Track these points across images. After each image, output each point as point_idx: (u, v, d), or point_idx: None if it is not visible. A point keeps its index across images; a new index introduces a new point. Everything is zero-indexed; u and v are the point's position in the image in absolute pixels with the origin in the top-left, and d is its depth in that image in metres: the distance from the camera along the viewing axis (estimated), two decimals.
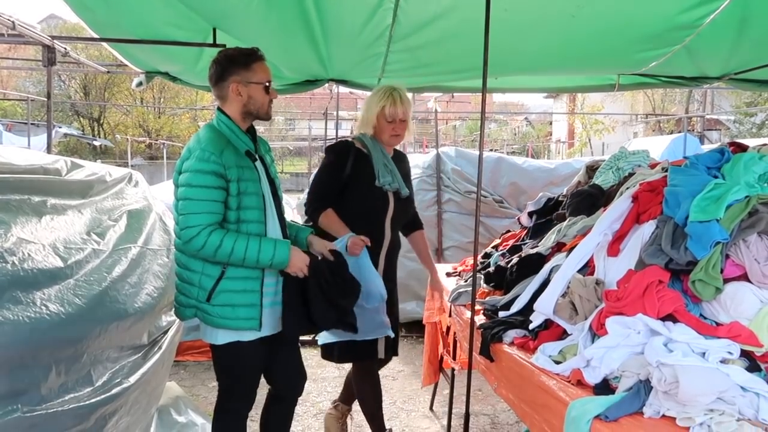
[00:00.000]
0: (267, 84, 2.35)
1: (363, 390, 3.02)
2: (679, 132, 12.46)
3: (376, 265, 2.74)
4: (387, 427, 3.12)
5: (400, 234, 3.07)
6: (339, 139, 3.11)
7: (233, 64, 2.30)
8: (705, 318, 1.86)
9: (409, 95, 3.14)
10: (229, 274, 2.25)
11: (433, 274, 3.32)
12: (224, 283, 2.25)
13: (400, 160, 3.05)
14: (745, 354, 1.68)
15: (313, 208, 2.83)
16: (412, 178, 5.50)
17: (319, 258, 2.40)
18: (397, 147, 3.09)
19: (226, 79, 2.30)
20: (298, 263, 2.29)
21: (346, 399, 3.23)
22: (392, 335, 2.78)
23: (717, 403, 1.50)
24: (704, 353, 1.66)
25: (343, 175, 2.82)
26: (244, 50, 2.34)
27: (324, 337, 2.80)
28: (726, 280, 1.85)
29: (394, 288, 3.01)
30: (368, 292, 2.57)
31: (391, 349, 2.98)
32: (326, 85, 4.55)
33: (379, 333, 2.72)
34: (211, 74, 2.34)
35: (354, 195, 2.83)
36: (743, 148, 2.34)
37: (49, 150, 4.34)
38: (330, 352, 2.91)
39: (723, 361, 1.63)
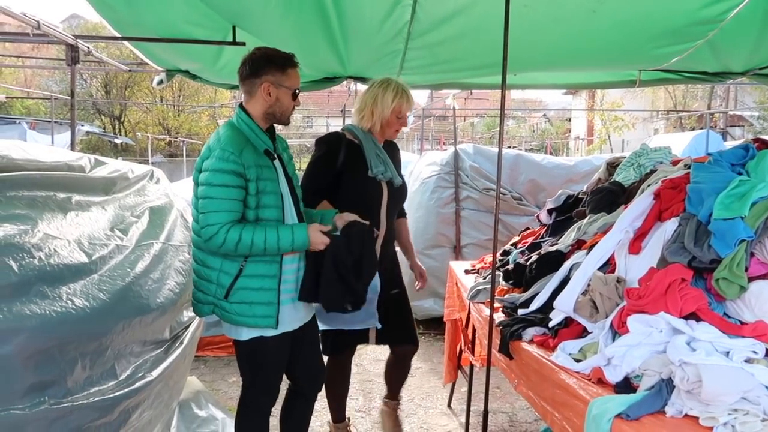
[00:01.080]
0: (296, 91, 2.37)
1: (335, 380, 3.07)
2: (701, 128, 12.27)
3: None
4: (347, 416, 3.21)
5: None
6: (328, 132, 3.15)
7: (270, 63, 2.31)
8: (729, 317, 1.83)
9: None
10: (247, 271, 2.26)
11: (411, 258, 3.28)
12: (242, 280, 2.26)
13: (392, 149, 3.08)
14: None
15: (307, 202, 2.81)
16: (429, 175, 5.61)
17: (341, 232, 2.42)
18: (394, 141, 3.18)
19: (259, 77, 2.31)
20: (318, 240, 2.31)
21: (392, 396, 3.28)
22: (379, 326, 2.82)
23: (741, 402, 1.49)
24: (728, 352, 1.64)
25: (336, 167, 2.84)
26: (282, 53, 2.34)
27: (319, 326, 2.84)
28: (751, 279, 1.82)
29: (398, 274, 3.08)
30: None
31: (410, 339, 3.05)
32: (344, 82, 4.56)
33: (368, 324, 2.79)
34: (244, 69, 2.34)
35: (348, 186, 2.85)
36: None
37: (72, 147, 4.40)
38: (324, 343, 2.94)
39: (747, 361, 1.61)
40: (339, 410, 3.16)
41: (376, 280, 2.68)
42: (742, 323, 1.79)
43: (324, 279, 2.33)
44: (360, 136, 2.91)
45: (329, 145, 2.89)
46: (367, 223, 2.49)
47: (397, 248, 3.24)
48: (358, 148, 2.88)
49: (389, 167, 2.91)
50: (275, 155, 2.39)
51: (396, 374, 3.24)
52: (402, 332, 3.03)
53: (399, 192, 2.99)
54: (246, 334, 2.32)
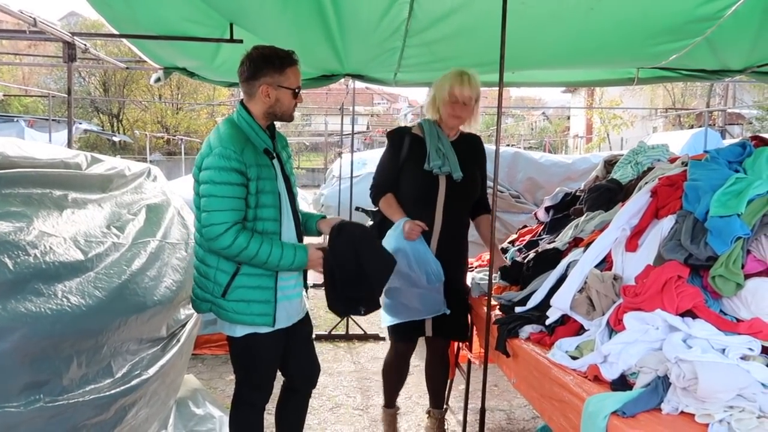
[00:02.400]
0: (296, 89, 2.33)
1: (393, 367, 3.11)
2: (700, 126, 12.27)
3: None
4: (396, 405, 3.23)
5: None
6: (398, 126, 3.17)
7: (267, 64, 2.27)
8: (725, 314, 1.83)
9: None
10: (244, 270, 2.26)
11: (492, 253, 3.18)
12: (239, 279, 2.26)
13: (471, 144, 2.97)
14: (766, 351, 1.65)
15: (374, 194, 2.94)
16: None
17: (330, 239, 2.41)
18: None
19: (257, 79, 2.27)
20: (315, 261, 2.33)
21: (436, 403, 3.26)
22: (448, 312, 2.82)
23: (737, 399, 1.49)
24: (724, 349, 1.64)
25: (400, 160, 2.88)
26: (279, 52, 2.29)
27: (387, 320, 2.89)
28: (747, 276, 1.82)
29: (458, 269, 3.00)
30: (427, 273, 2.71)
31: (461, 332, 3.01)
32: (342, 80, 4.56)
33: (437, 312, 2.82)
34: (243, 70, 2.30)
35: (406, 179, 2.88)
36: (766, 142, 2.31)
37: (69, 145, 4.40)
38: (389, 334, 3.03)
39: (743, 358, 1.61)
40: (392, 396, 3.19)
41: (439, 269, 2.73)
42: (738, 320, 1.79)
43: (327, 290, 2.37)
44: (425, 130, 2.89)
45: (393, 139, 2.96)
46: (359, 223, 2.50)
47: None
48: (421, 141, 2.88)
49: (449, 161, 2.80)
50: (274, 154, 2.38)
51: (435, 372, 3.21)
52: (446, 325, 2.95)
53: (461, 187, 2.84)
54: (240, 331, 2.32)
